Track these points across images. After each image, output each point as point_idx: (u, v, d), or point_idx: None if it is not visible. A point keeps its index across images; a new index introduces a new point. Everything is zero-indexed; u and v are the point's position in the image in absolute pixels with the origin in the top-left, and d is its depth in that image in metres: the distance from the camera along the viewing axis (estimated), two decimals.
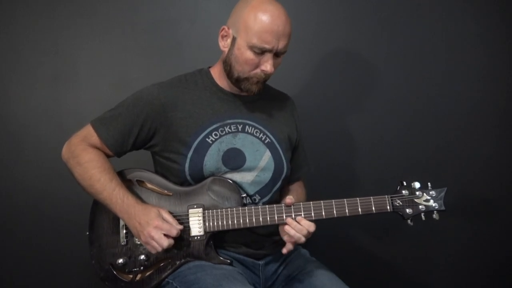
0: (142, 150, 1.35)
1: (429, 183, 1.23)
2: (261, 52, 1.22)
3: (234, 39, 1.25)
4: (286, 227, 1.22)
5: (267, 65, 1.23)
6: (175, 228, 1.19)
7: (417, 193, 1.23)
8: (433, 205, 1.22)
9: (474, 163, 1.88)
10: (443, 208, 1.23)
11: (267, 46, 1.20)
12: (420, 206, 1.23)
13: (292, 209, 1.23)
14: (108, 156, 1.30)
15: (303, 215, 1.22)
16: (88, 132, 1.29)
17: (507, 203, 1.88)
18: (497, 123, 1.89)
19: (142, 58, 1.85)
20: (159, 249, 1.18)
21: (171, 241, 1.19)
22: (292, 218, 1.22)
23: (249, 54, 1.22)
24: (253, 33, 1.20)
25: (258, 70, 1.25)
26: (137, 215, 1.19)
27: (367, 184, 1.89)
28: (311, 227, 1.21)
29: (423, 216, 1.23)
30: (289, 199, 1.23)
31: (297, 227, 1.20)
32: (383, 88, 1.89)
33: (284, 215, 1.23)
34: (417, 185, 1.23)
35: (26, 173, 1.80)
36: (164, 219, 1.19)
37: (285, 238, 1.24)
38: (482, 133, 1.88)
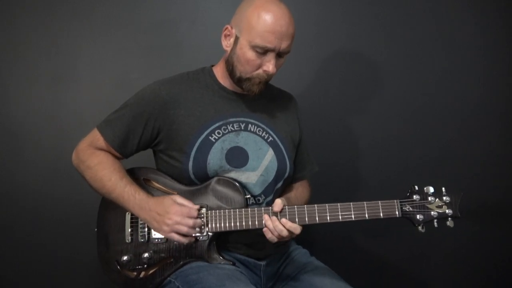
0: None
1: (443, 188, 1.12)
2: (263, 52, 1.16)
3: (237, 39, 1.20)
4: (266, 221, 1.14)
5: (269, 66, 1.18)
6: (193, 208, 1.15)
7: (430, 198, 1.12)
8: (447, 211, 1.11)
9: (475, 163, 1.81)
10: (458, 215, 1.11)
11: (269, 46, 1.15)
12: (433, 212, 1.12)
13: (296, 211, 1.14)
14: (116, 158, 1.28)
15: (307, 219, 1.14)
16: (95, 137, 1.26)
17: (507, 203, 1.81)
18: (504, 123, 1.81)
19: (142, 58, 1.79)
20: (186, 229, 1.14)
21: (197, 221, 1.15)
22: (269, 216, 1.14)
23: (251, 54, 1.17)
24: (256, 33, 1.14)
25: (260, 71, 1.20)
26: (153, 207, 1.16)
27: (374, 188, 1.82)
28: (297, 229, 1.13)
29: (435, 223, 1.12)
30: (277, 204, 1.15)
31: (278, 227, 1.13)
32: (389, 87, 1.83)
33: (287, 217, 1.14)
34: (431, 189, 1.12)
35: (26, 173, 1.75)
36: (179, 204, 1.15)
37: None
38: (488, 134, 1.81)
